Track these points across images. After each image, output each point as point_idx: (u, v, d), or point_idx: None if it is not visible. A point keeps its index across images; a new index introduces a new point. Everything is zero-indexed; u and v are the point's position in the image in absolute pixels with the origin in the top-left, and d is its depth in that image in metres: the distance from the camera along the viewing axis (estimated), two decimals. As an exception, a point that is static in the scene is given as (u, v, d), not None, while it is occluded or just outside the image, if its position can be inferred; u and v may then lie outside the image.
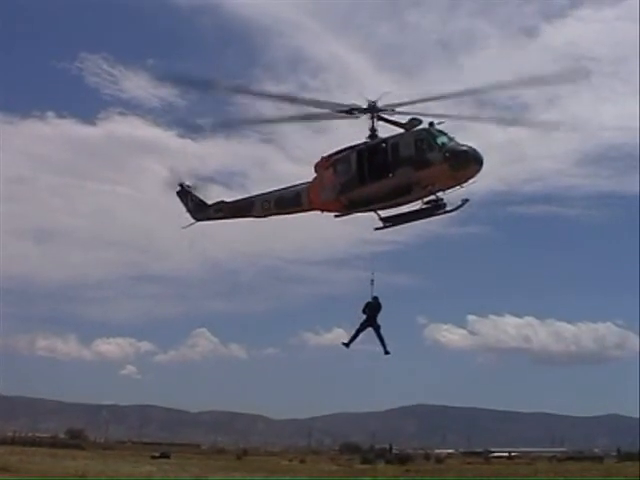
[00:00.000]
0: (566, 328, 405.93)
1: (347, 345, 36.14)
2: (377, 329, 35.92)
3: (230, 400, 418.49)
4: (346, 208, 36.42)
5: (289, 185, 39.45)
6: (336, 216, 37.13)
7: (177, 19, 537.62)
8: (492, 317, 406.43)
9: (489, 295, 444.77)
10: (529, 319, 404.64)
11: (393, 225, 36.13)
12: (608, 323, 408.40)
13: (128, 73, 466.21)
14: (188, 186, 42.29)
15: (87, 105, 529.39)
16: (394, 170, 34.95)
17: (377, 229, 36.18)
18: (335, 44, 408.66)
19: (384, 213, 36.11)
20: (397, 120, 35.89)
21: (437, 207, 35.10)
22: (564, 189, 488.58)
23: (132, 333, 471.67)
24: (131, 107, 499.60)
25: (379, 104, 35.99)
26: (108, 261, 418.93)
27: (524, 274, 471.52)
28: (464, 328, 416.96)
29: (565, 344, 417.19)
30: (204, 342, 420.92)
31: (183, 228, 42.15)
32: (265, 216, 40.03)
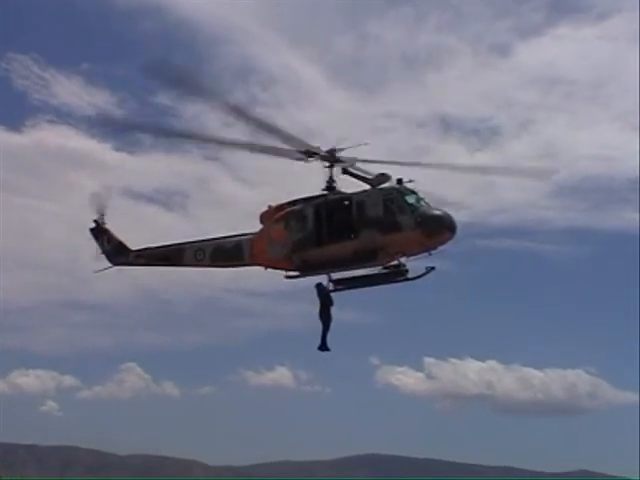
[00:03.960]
0: (533, 374, 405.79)
1: (324, 349, 35.59)
2: (328, 319, 35.52)
3: (162, 443, 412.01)
4: (298, 269, 35.59)
5: (228, 235, 38.29)
6: (287, 277, 36.34)
7: (116, 20, 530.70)
8: (452, 360, 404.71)
9: (449, 336, 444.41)
10: (492, 363, 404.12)
11: (345, 289, 35.53)
12: (579, 370, 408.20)
13: (60, 77, 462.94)
14: (105, 224, 41.02)
15: (14, 111, 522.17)
16: (358, 232, 34.18)
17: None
18: (288, 55, 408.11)
19: (337, 274, 35.53)
20: (362, 174, 35.28)
21: (398, 273, 34.73)
22: (534, 222, 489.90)
23: (54, 365, 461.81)
24: (62, 115, 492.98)
25: (340, 154, 35.46)
26: (30, 285, 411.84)
27: (488, 314, 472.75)
28: (421, 371, 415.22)
29: (532, 392, 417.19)
30: (134, 378, 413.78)
31: (96, 272, 40.65)
32: (197, 267, 38.87)
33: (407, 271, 34.68)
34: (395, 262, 34.57)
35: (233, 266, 38.00)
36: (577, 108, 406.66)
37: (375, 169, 35.23)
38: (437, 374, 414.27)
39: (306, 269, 35.61)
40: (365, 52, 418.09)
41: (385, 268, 34.89)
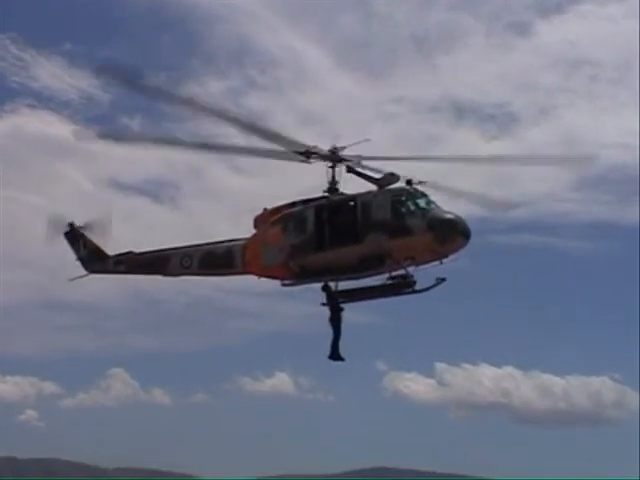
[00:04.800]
0: (554, 382, 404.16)
1: (337, 358, 35.02)
2: (339, 324, 34.89)
3: (151, 455, 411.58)
4: (296, 276, 35.20)
5: (219, 240, 37.84)
6: (283, 284, 35.93)
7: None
8: (465, 366, 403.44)
9: (461, 339, 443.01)
10: (509, 369, 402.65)
11: (347, 301, 35.14)
12: (604, 377, 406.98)
13: (40, 58, 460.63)
14: (80, 227, 40.54)
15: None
16: (363, 235, 33.72)
17: (325, 305, 35.22)
18: (289, 35, 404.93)
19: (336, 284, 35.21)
20: (368, 173, 34.97)
21: (404, 284, 34.27)
22: (555, 216, 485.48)
23: (34, 371, 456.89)
24: (43, 99, 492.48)
25: (343, 152, 35.06)
26: (8, 283, 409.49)
27: (504, 315, 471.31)
28: (431, 378, 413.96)
29: (552, 401, 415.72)
30: (120, 385, 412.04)
31: (70, 280, 40.48)
32: (183, 275, 38.46)
33: (414, 282, 34.22)
34: (402, 272, 34.16)
35: (223, 274, 37.56)
36: (602, 92, 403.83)
37: (382, 166, 34.90)
38: (449, 381, 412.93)
39: (304, 276, 35.20)
40: (372, 32, 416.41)
41: (390, 279, 34.49)
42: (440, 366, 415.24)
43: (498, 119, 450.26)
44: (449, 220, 33.26)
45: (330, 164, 35.57)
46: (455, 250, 33.48)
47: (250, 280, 36.78)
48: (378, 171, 34.86)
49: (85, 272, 40.54)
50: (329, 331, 35.23)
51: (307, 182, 37.18)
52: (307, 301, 38.25)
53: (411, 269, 34.08)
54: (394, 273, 34.22)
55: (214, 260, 37.44)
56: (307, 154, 34.98)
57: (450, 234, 33.09)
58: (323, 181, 36.03)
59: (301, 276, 35.22)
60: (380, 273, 34.37)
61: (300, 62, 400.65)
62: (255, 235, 36.54)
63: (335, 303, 34.98)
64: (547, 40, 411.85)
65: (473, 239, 33.55)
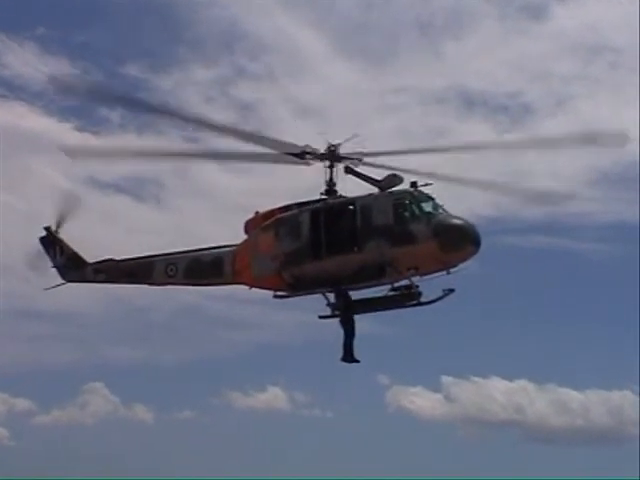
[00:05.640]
0: (571, 396, 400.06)
1: (351, 360, 34.24)
2: (351, 324, 34.13)
3: (133, 476, 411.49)
4: (290, 287, 34.60)
5: (207, 246, 37.46)
6: (275, 296, 35.38)
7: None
8: (474, 379, 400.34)
9: (470, 350, 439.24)
10: (522, 383, 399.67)
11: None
12: (626, 391, 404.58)
13: (11, 44, 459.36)
14: (57, 232, 40.28)
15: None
16: (363, 243, 32.95)
17: (322, 318, 34.69)
18: (283, 18, 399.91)
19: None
20: (369, 175, 34.29)
21: (409, 296, 33.58)
22: (573, 216, 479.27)
23: (4, 386, 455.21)
24: (15, 88, 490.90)
25: (341, 150, 34.41)
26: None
27: (516, 324, 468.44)
28: (438, 392, 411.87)
29: (570, 417, 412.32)
30: (99, 400, 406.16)
31: (46, 290, 40.01)
32: (168, 284, 38.09)
33: (420, 294, 33.45)
34: (406, 282, 33.57)
35: (211, 284, 37.00)
36: (624, 80, 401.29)
37: (387, 162, 34.37)
38: (457, 396, 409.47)
39: (299, 287, 34.52)
40: (373, 15, 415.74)
41: (393, 290, 33.88)
42: (447, 379, 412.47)
43: (511, 110, 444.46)
44: (457, 226, 32.26)
45: (328, 164, 34.92)
46: (463, 259, 32.50)
47: (241, 287, 36.31)
48: (382, 166, 34.23)
49: (62, 280, 40.16)
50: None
51: (304, 181, 36.69)
52: (302, 310, 37.86)
53: (416, 279, 33.49)
54: (397, 284, 33.65)
55: (201, 269, 36.97)
56: (302, 155, 34.37)
57: (457, 242, 32.09)
58: (320, 180, 35.45)
59: (295, 287, 34.52)
60: (382, 284, 33.68)
61: (294, 48, 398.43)
62: (245, 242, 35.91)
63: (346, 300, 34.22)
64: (564, 24, 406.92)
65: (484, 241, 32.01)
